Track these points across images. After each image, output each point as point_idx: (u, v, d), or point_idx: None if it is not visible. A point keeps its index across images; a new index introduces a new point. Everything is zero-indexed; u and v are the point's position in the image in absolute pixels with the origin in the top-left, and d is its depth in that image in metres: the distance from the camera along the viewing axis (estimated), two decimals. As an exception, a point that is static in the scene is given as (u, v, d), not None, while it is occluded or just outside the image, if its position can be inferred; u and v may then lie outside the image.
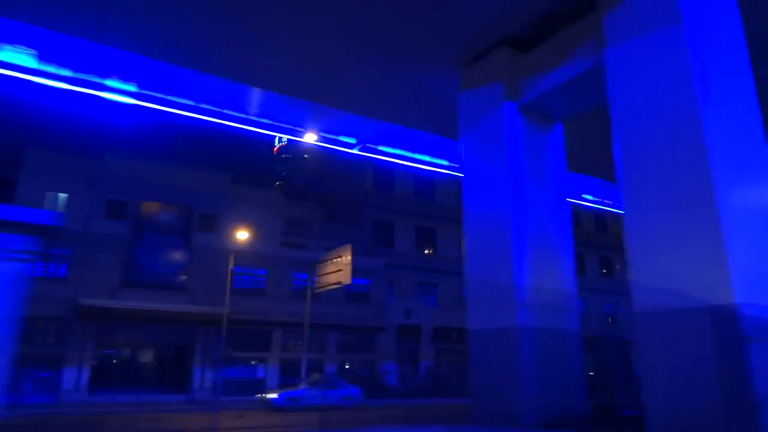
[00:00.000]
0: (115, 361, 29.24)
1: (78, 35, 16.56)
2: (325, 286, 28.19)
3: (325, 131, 25.47)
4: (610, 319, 51.50)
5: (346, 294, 34.64)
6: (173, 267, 29.71)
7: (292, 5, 14.68)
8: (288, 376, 31.98)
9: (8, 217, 9.30)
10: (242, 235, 29.90)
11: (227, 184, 33.69)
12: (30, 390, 24.73)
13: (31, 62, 18.55)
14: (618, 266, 53.62)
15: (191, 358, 29.77)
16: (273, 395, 24.45)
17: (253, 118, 23.37)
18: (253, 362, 31.82)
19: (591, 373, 20.18)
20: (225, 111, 22.74)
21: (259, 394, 27.36)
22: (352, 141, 26.86)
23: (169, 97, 21.58)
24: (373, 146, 27.95)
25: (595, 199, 41.69)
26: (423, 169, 32.30)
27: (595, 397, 17.18)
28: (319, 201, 43.67)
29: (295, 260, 33.55)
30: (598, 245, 52.35)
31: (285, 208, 37.25)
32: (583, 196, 40.10)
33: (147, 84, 20.83)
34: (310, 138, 25.67)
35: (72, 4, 15.05)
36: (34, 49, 18.05)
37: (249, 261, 31.73)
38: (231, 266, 28.25)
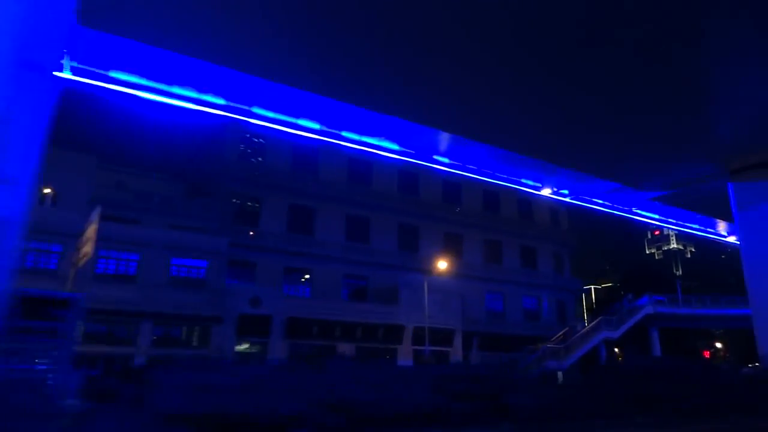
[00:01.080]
0: None
1: None
2: (78, 261, 22.18)
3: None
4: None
5: (172, 278, 28.76)
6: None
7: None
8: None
9: None
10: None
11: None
12: None
13: None
14: (546, 259, 48.21)
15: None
16: None
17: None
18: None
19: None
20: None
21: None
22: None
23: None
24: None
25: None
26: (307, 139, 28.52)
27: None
28: (177, 174, 37.82)
29: (113, 236, 27.56)
30: (520, 234, 46.83)
31: (112, 177, 31.28)
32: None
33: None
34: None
35: None
36: None
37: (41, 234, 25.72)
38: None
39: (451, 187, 43.16)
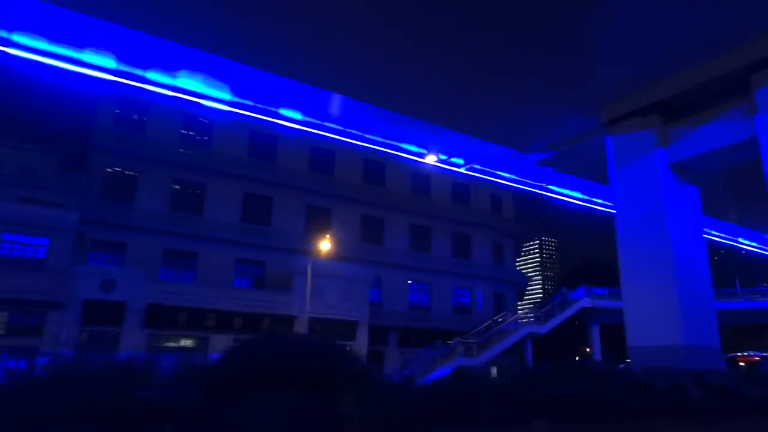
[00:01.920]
0: None
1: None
2: None
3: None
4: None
5: (1, 258, 24.84)
6: None
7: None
8: None
9: None
10: None
11: None
12: None
13: None
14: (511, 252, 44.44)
15: None
16: None
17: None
18: None
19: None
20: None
21: None
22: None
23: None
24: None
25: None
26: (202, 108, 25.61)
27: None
28: (53, 145, 33.80)
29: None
30: (454, 220, 42.98)
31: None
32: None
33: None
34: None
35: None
36: None
37: None
38: None
39: (374, 166, 39.30)
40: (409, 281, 39.86)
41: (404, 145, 23.39)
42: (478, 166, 24.89)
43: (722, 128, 13.89)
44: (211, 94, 24.51)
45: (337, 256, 35.71)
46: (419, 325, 38.50)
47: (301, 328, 30.96)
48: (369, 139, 23.26)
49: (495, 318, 37.62)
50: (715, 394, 10.07)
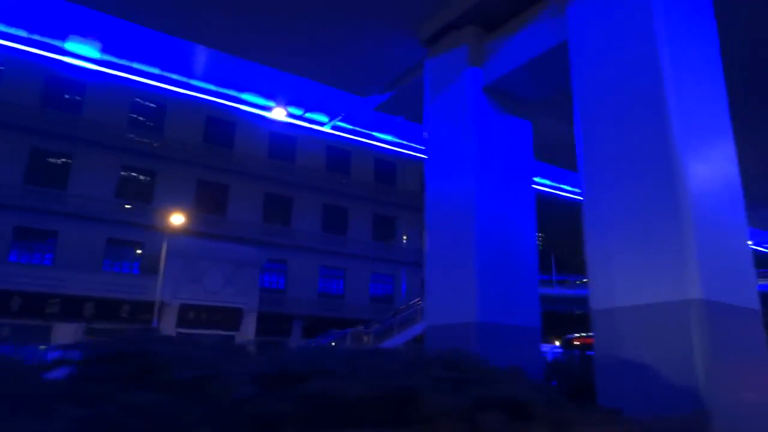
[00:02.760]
0: None
1: None
2: None
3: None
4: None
5: None
6: None
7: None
8: None
9: None
10: None
11: None
12: None
13: None
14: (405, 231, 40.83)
15: None
16: None
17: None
18: None
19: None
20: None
21: None
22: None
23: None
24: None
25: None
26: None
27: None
28: None
29: None
30: (375, 201, 39.42)
31: None
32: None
33: None
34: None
35: None
36: None
37: None
38: None
39: (282, 139, 35.63)
40: (320, 266, 36.27)
41: (247, 96, 19.74)
42: (345, 125, 21.41)
43: (534, 35, 10.33)
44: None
45: (232, 238, 32.21)
46: (330, 315, 35.02)
47: (170, 316, 27.40)
48: (209, 90, 19.60)
49: (406, 305, 34.11)
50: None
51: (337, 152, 37.71)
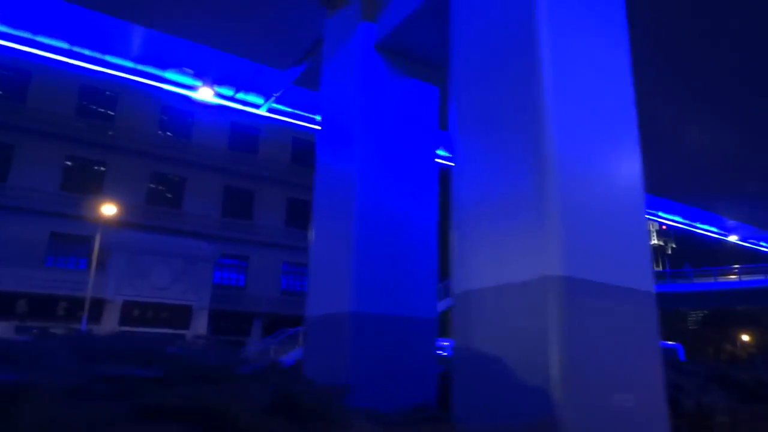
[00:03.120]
0: None
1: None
2: None
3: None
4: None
5: None
6: None
7: None
8: None
9: None
10: None
11: None
12: None
13: None
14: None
15: None
16: None
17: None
18: None
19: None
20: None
21: None
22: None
23: None
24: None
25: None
26: None
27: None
28: None
29: None
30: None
31: None
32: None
33: None
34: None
35: None
36: None
37: None
38: None
39: (244, 130, 34.21)
40: (283, 262, 34.81)
41: (169, 74, 18.29)
42: (281, 107, 20.00)
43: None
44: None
45: (188, 233, 30.81)
46: (294, 313, 33.36)
47: (112, 313, 25.98)
48: (127, 67, 18.17)
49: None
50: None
51: (303, 144, 36.19)
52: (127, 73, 18.06)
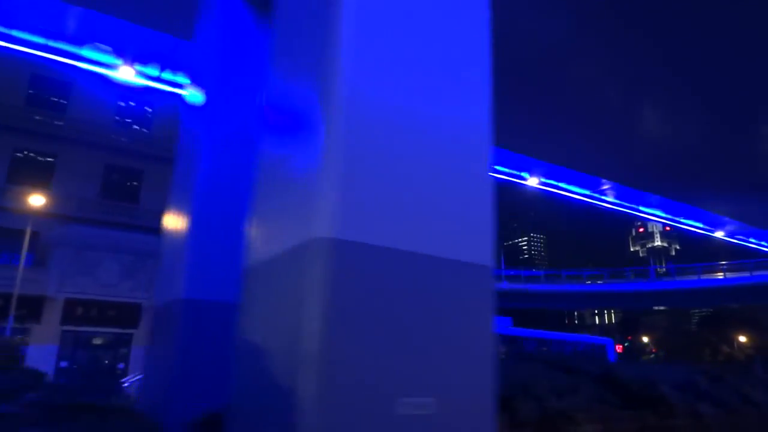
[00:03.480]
0: None
1: None
2: None
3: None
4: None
5: None
6: None
7: None
8: None
9: None
10: None
11: None
12: None
13: None
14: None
15: None
16: None
17: None
18: None
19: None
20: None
21: None
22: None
23: None
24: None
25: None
26: None
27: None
28: None
29: None
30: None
31: None
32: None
33: None
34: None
35: None
36: None
37: None
38: None
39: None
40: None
41: (87, 52, 16.89)
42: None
43: None
44: None
45: (146, 228, 29.43)
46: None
47: (54, 312, 24.67)
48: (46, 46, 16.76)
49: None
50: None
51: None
52: (37, 49, 16.65)
